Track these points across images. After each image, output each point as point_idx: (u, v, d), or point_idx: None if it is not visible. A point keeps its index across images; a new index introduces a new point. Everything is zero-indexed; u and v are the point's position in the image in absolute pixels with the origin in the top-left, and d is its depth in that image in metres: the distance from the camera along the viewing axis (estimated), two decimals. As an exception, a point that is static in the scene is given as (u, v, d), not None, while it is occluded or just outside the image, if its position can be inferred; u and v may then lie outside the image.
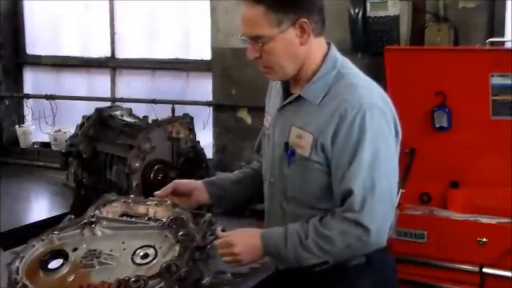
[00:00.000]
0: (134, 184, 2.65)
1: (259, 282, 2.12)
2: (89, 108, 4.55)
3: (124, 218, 2.08)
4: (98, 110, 2.88)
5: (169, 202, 2.12)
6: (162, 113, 4.79)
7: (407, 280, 3.03)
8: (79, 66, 5.53)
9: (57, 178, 4.21)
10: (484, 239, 2.87)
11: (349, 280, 1.95)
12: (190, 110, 4.89)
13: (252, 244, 1.93)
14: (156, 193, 2.19)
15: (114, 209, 2.12)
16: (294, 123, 1.96)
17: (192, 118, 2.92)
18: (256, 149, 2.28)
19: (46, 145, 5.47)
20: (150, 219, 2.05)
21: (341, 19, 3.92)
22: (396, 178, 1.96)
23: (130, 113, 2.98)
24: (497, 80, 3.27)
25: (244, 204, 2.37)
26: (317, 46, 2.00)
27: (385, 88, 3.61)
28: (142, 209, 2.10)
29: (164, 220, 2.01)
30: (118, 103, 5.09)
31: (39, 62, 5.68)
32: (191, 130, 2.88)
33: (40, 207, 4.29)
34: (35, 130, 5.54)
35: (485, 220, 3.10)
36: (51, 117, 5.21)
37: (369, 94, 1.93)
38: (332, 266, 1.91)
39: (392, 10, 3.77)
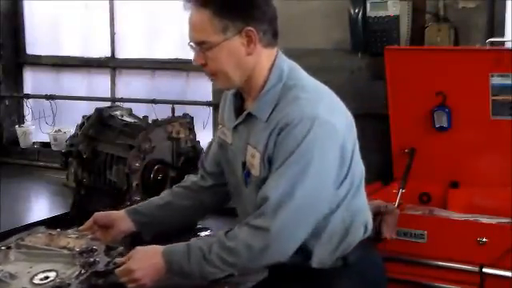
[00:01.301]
0: (134, 184, 2.65)
1: (259, 282, 2.12)
2: (89, 108, 4.55)
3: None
4: (98, 110, 2.87)
5: (90, 235, 2.18)
6: (162, 113, 4.78)
7: (407, 280, 3.04)
8: (79, 66, 5.52)
9: (57, 178, 4.20)
10: (484, 239, 2.87)
11: (325, 284, 1.94)
12: (189, 110, 4.88)
13: (153, 264, 1.89)
14: (79, 228, 2.23)
15: (37, 239, 2.22)
16: (249, 142, 1.92)
17: (192, 118, 2.91)
18: (201, 163, 2.25)
19: (46, 145, 5.47)
20: (64, 248, 2.14)
21: (341, 19, 3.92)
22: (327, 191, 1.86)
23: (130, 113, 2.97)
24: (497, 80, 3.28)
25: (182, 224, 2.34)
26: (266, 57, 1.92)
27: (385, 88, 3.65)
28: (63, 241, 2.19)
29: (77, 249, 2.09)
30: (117, 103, 5.10)
31: (39, 62, 5.67)
32: (191, 130, 2.87)
33: (40, 207, 4.28)
34: (35, 130, 5.53)
35: (485, 220, 3.11)
36: (51, 117, 5.21)
37: (312, 105, 1.85)
38: (310, 270, 1.92)
39: (392, 10, 3.77)
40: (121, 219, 2.22)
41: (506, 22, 3.74)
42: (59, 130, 5.26)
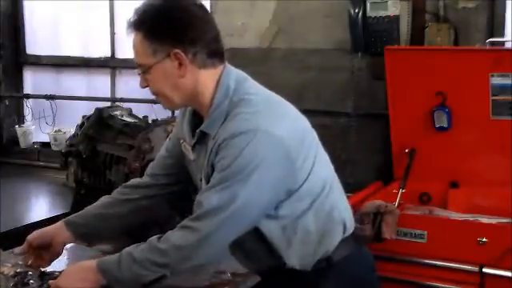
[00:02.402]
0: (134, 184, 2.66)
1: (259, 281, 2.12)
2: (89, 108, 4.54)
3: None
4: (98, 110, 2.88)
5: (30, 261, 2.17)
6: (162, 113, 4.80)
7: (407, 280, 3.04)
8: (79, 66, 5.52)
9: (57, 178, 4.21)
10: (484, 239, 2.87)
11: (312, 285, 1.95)
12: (189, 110, 4.90)
13: (86, 277, 1.93)
14: (15, 251, 2.24)
15: None
16: (204, 161, 1.95)
17: None
18: (149, 171, 2.25)
19: (46, 145, 5.47)
20: None
21: (341, 19, 3.92)
22: (264, 203, 1.86)
23: (130, 113, 2.98)
24: (497, 80, 3.28)
25: (128, 228, 2.32)
26: (207, 76, 1.92)
27: (385, 88, 3.65)
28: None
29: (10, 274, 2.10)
30: (117, 103, 5.10)
31: (39, 62, 5.68)
32: None
33: (40, 207, 4.28)
34: (35, 130, 5.53)
35: (485, 220, 3.10)
36: (51, 117, 5.21)
37: (254, 118, 1.83)
38: (294, 271, 1.93)
39: (392, 10, 3.77)
40: (59, 233, 2.21)
41: (506, 21, 3.74)
42: (59, 130, 5.26)
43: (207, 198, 1.82)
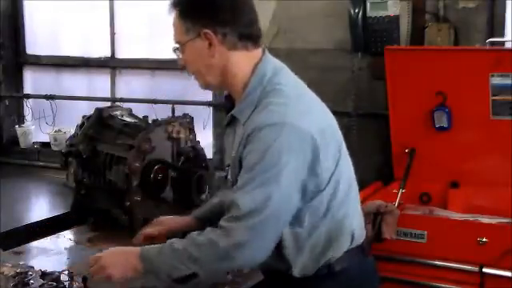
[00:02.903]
0: (134, 184, 2.66)
1: (259, 282, 2.12)
2: (89, 108, 4.54)
3: None
4: (98, 110, 2.87)
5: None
6: (162, 113, 4.79)
7: (407, 280, 3.04)
8: (79, 66, 5.52)
9: (57, 178, 4.20)
10: (484, 239, 2.87)
11: None
12: (189, 110, 4.88)
13: (127, 261, 1.93)
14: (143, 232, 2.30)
15: None
16: (232, 148, 1.98)
17: (192, 118, 2.91)
18: None
19: (46, 145, 5.47)
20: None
21: (341, 19, 3.92)
22: (295, 201, 1.84)
23: (130, 113, 2.97)
24: (497, 80, 3.28)
25: None
26: (239, 59, 1.95)
27: (385, 88, 3.65)
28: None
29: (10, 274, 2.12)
30: (117, 103, 5.10)
31: (39, 62, 5.68)
32: (191, 130, 2.88)
33: (40, 207, 4.28)
34: (35, 129, 5.53)
35: (485, 220, 3.11)
36: (51, 117, 5.21)
37: (282, 110, 1.84)
38: (294, 278, 1.91)
39: (392, 10, 3.77)
40: (191, 224, 2.27)
41: (506, 21, 3.74)
42: (59, 130, 5.26)
43: (241, 199, 1.80)
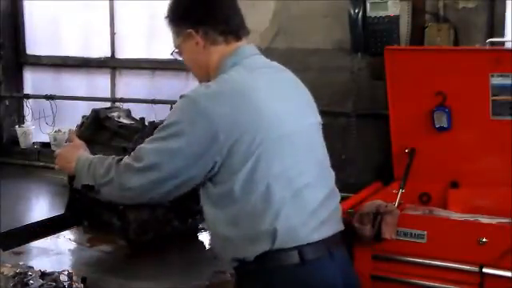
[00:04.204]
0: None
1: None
2: (89, 108, 4.52)
3: None
4: (95, 111, 2.88)
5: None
6: (162, 113, 4.79)
7: (407, 280, 3.03)
8: (79, 66, 5.52)
9: (57, 179, 4.20)
10: (484, 239, 2.87)
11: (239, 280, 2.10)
12: (189, 110, 4.89)
13: (70, 155, 2.35)
14: None
15: None
16: None
17: None
18: None
19: (46, 145, 5.47)
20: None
21: (341, 19, 3.92)
22: (180, 163, 2.02)
23: (128, 114, 2.96)
24: (497, 80, 3.27)
25: None
26: (215, 54, 2.17)
27: (385, 88, 3.64)
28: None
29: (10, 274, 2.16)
30: (117, 103, 5.09)
31: (39, 62, 5.68)
32: None
33: (40, 207, 4.28)
34: (35, 130, 5.53)
35: (485, 220, 3.10)
36: (51, 117, 5.21)
37: (200, 90, 2.08)
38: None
39: (392, 10, 3.77)
40: None
41: (506, 21, 3.74)
42: (59, 130, 5.26)
43: (138, 149, 2.14)
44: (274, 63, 2.32)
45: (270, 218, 1.96)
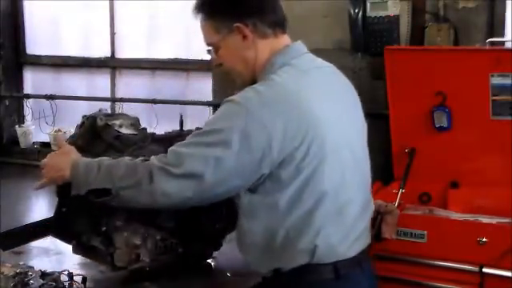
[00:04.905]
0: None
1: (259, 282, 2.12)
2: (89, 108, 4.55)
3: None
4: (92, 118, 2.47)
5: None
6: (163, 113, 4.79)
7: (407, 280, 3.04)
8: (79, 66, 5.52)
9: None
10: (484, 239, 2.87)
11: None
12: (190, 109, 4.89)
13: (60, 162, 2.11)
14: None
15: None
16: None
17: None
18: None
19: (46, 145, 5.47)
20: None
21: (341, 19, 3.92)
22: (222, 170, 1.83)
23: (134, 123, 2.54)
24: (497, 80, 3.28)
25: None
26: (263, 48, 1.98)
27: (385, 88, 3.64)
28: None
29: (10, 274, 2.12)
30: (117, 103, 5.10)
31: (39, 62, 5.68)
32: None
33: (40, 207, 4.27)
34: (35, 130, 5.53)
35: (485, 220, 3.10)
36: (51, 117, 5.21)
37: (250, 95, 1.87)
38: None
39: (392, 10, 3.77)
40: None
41: (506, 21, 3.74)
42: (59, 130, 5.26)
43: (174, 151, 1.93)
44: (324, 63, 2.21)
45: (311, 235, 1.88)
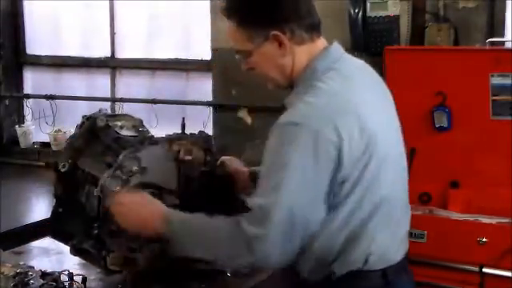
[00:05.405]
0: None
1: (259, 281, 2.12)
2: (89, 108, 4.55)
3: None
4: (93, 119, 2.36)
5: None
6: (162, 113, 4.80)
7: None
8: (79, 66, 5.53)
9: (57, 178, 4.20)
10: (484, 239, 2.87)
11: None
12: (190, 110, 4.90)
13: (149, 214, 1.89)
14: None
15: None
16: None
17: (209, 136, 2.46)
18: None
19: (46, 145, 5.48)
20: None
21: (341, 19, 3.92)
22: (310, 204, 1.74)
23: (136, 124, 2.43)
24: (497, 80, 3.27)
25: None
26: (302, 54, 1.86)
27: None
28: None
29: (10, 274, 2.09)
30: (117, 103, 5.10)
31: (39, 62, 5.68)
32: (208, 151, 2.37)
33: (40, 207, 4.28)
34: (35, 130, 5.54)
35: (485, 220, 3.10)
36: (51, 117, 5.21)
37: (307, 111, 1.74)
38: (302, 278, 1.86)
39: (392, 10, 3.77)
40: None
41: (506, 21, 3.74)
42: (59, 130, 5.27)
43: (255, 200, 1.75)
44: (359, 62, 2.08)
45: (365, 243, 1.83)
